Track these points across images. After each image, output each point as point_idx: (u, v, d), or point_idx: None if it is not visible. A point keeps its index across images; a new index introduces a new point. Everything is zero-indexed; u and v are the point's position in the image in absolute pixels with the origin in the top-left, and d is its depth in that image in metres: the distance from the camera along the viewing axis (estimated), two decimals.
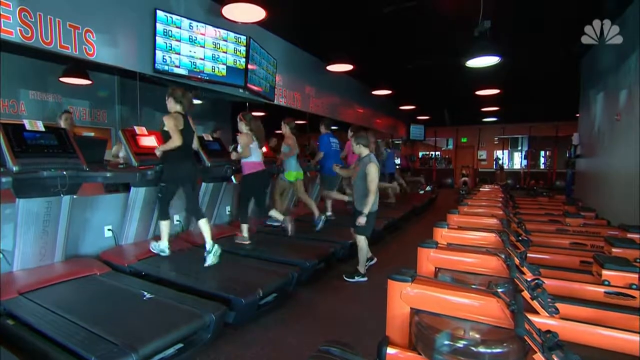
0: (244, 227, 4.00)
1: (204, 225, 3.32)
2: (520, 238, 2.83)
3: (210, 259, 3.19)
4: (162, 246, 3.41)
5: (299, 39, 6.41)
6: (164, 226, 3.41)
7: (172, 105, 3.29)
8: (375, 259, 4.03)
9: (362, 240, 3.66)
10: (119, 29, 3.67)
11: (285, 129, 4.86)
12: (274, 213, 4.11)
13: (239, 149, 3.95)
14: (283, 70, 6.16)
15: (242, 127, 3.98)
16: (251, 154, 3.94)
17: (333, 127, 6.26)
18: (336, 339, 1.61)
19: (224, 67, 4.64)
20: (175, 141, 3.13)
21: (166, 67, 4.02)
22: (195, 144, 3.56)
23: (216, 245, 3.26)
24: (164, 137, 3.21)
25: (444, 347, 1.36)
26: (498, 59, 4.64)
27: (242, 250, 3.76)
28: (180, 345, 2.10)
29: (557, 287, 2.30)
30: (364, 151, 3.61)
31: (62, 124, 3.92)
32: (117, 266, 3.17)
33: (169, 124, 3.14)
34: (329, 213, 5.34)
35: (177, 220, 4.20)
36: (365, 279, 3.65)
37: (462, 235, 2.64)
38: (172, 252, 3.45)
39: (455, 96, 10.48)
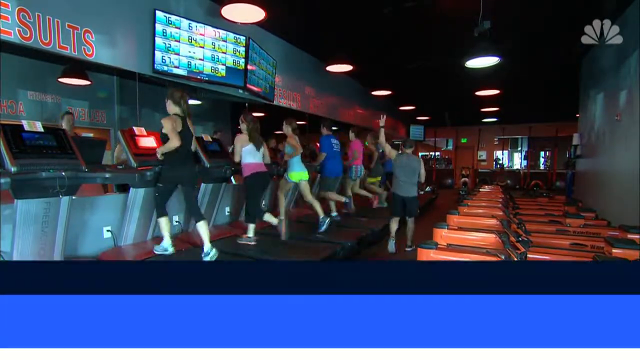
0: (251, 227, 3.96)
1: (202, 228, 3.30)
2: (520, 239, 2.83)
3: None
4: (165, 244, 3.38)
5: (298, 40, 6.40)
6: (163, 223, 3.36)
7: (171, 108, 3.27)
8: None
9: (390, 220, 4.55)
10: (118, 30, 3.66)
11: (286, 130, 4.82)
12: (267, 217, 4.03)
13: (236, 153, 3.97)
14: (283, 70, 6.15)
15: (243, 128, 3.97)
16: (245, 156, 3.92)
17: (333, 128, 6.24)
18: None
19: (224, 67, 4.64)
20: (174, 142, 3.11)
21: (165, 68, 4.01)
22: (193, 146, 3.56)
23: (214, 250, 3.25)
24: (163, 140, 3.19)
25: None
26: (498, 60, 4.64)
27: (244, 252, 3.73)
28: None
29: None
30: (408, 150, 4.73)
31: (64, 125, 3.92)
32: None
33: (166, 126, 3.12)
34: (333, 213, 5.30)
35: (177, 222, 4.18)
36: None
37: (462, 235, 2.64)
38: (174, 252, 3.44)
39: (455, 97, 10.47)
